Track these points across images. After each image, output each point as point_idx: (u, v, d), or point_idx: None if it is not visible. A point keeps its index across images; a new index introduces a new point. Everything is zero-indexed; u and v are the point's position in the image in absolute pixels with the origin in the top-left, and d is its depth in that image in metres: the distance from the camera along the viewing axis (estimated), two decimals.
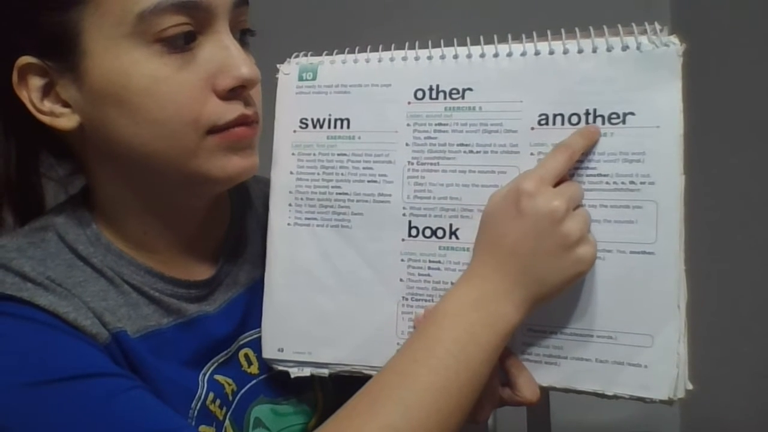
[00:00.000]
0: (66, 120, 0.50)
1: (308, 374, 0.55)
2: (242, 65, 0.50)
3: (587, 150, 0.49)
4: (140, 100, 0.48)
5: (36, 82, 0.49)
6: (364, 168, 0.55)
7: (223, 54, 0.50)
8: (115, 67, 0.48)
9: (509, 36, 0.53)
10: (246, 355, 0.58)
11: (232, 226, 0.61)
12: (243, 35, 0.54)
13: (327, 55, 0.57)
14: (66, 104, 0.50)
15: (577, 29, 0.51)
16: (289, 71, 0.57)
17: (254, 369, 0.58)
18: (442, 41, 0.54)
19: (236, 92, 0.50)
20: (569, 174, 0.50)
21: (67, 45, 0.48)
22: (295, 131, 0.57)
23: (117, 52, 0.47)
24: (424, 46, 0.55)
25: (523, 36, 0.52)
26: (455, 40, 0.53)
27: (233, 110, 0.50)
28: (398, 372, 0.47)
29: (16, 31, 0.49)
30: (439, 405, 0.45)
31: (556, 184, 0.48)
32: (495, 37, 0.53)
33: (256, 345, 0.59)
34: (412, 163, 0.54)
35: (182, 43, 0.48)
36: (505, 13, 1.20)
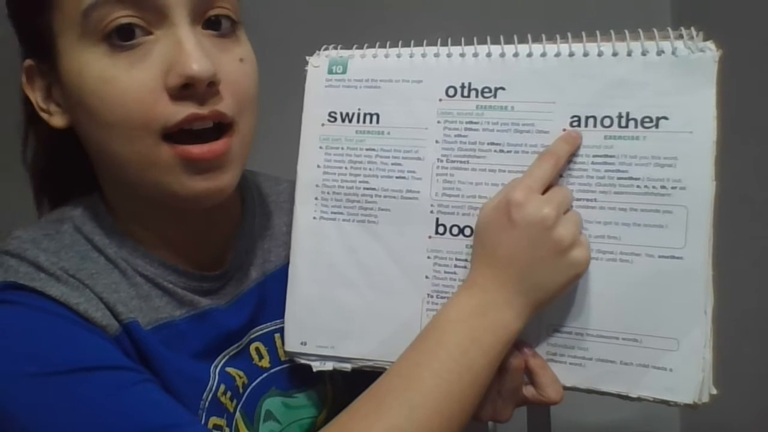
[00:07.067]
0: (58, 119, 0.51)
1: (330, 368, 0.55)
2: (192, 61, 0.45)
3: (571, 155, 0.50)
4: (93, 102, 0.47)
5: (39, 82, 0.51)
6: (392, 164, 0.54)
7: (174, 50, 0.46)
8: (73, 69, 0.47)
9: (543, 36, 0.52)
10: (257, 349, 0.58)
11: (243, 221, 0.61)
12: (215, 25, 0.49)
13: (357, 48, 0.57)
14: (58, 104, 0.51)
15: (612, 32, 0.51)
16: (318, 64, 0.57)
17: (265, 363, 0.58)
18: (474, 39, 0.54)
19: (190, 90, 0.46)
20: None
21: (47, 47, 0.48)
22: (323, 124, 0.56)
23: (75, 54, 0.47)
24: (456, 43, 0.54)
25: (557, 36, 0.52)
26: (488, 38, 0.53)
27: (183, 110, 0.46)
28: (402, 375, 0.47)
29: (17, 35, 0.51)
30: (443, 408, 0.46)
31: (545, 191, 0.49)
32: (529, 36, 0.52)
33: (267, 339, 0.59)
34: (442, 161, 0.54)
35: (123, 39, 0.46)
36: (504, 11, 1.19)
